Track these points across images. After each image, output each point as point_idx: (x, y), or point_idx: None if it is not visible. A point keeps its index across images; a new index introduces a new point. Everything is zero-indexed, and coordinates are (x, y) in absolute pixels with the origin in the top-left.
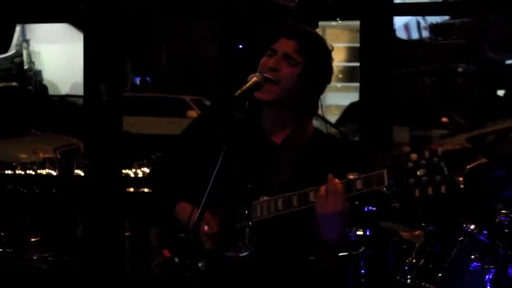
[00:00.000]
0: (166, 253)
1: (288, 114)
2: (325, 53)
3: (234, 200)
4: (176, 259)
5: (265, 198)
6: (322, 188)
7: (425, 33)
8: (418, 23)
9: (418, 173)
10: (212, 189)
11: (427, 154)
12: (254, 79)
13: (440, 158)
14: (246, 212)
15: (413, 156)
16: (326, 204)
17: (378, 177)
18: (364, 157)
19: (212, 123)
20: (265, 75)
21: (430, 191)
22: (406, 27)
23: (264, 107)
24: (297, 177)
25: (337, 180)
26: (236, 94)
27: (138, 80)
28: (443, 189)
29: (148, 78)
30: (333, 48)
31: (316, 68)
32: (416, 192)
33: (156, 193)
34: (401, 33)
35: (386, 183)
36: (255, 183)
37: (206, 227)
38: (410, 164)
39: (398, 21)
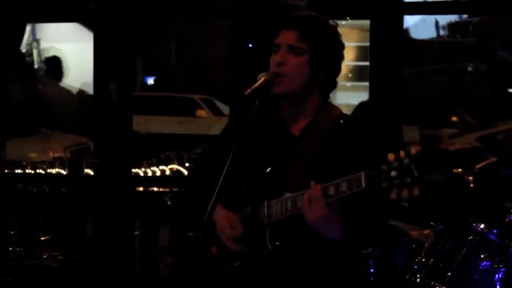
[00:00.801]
0: (214, 250)
1: (309, 104)
2: (329, 32)
3: (256, 198)
4: (222, 256)
5: (287, 195)
6: (306, 195)
7: (436, 32)
8: (437, 22)
9: (391, 174)
10: (223, 186)
11: (402, 154)
12: (263, 77)
13: (412, 159)
14: (265, 211)
15: (390, 156)
16: (310, 211)
17: (357, 180)
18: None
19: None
20: (273, 70)
21: (404, 193)
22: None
23: (284, 101)
24: (316, 168)
25: (317, 186)
26: (246, 93)
27: (148, 80)
28: (415, 191)
29: (145, 78)
30: (337, 24)
31: (324, 50)
32: (393, 194)
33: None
34: (411, 32)
35: (363, 185)
36: (276, 179)
37: (229, 231)
38: (385, 166)
39: (409, 20)
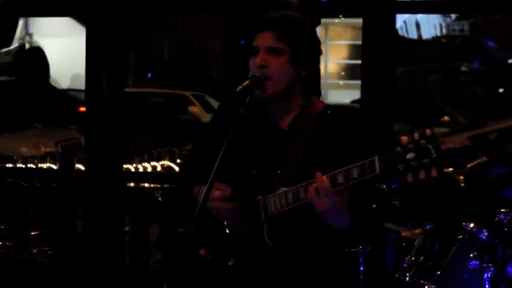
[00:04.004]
0: (202, 252)
1: (294, 100)
2: (306, 28)
3: (250, 194)
4: (210, 257)
5: (282, 189)
6: (312, 187)
7: (429, 31)
8: (430, 21)
9: (408, 156)
10: (213, 183)
11: (416, 136)
12: (253, 75)
13: (428, 139)
14: (262, 206)
15: (404, 139)
16: (320, 203)
17: (370, 164)
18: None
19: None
20: (256, 74)
21: (422, 175)
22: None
23: (270, 100)
24: (308, 161)
25: (323, 178)
26: (237, 90)
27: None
28: (434, 172)
29: (149, 74)
30: (319, 20)
31: (303, 47)
32: (409, 177)
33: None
34: (404, 31)
35: (378, 170)
36: (268, 174)
37: (217, 193)
38: (399, 149)
39: (402, 18)
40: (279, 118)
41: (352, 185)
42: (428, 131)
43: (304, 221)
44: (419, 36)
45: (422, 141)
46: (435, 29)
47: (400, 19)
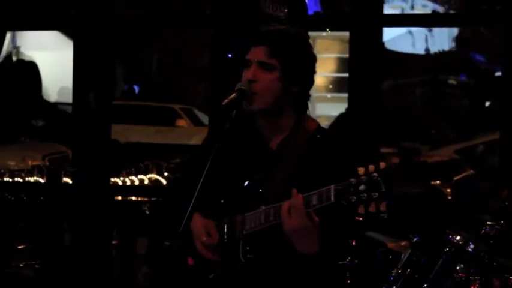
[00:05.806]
0: (190, 261)
1: (284, 118)
2: (300, 46)
3: (234, 210)
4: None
5: (261, 208)
6: (285, 205)
7: (417, 45)
8: (418, 35)
9: (360, 188)
10: (200, 196)
11: (371, 168)
12: (239, 88)
13: (380, 173)
14: (240, 223)
15: (360, 170)
16: (290, 221)
17: (326, 193)
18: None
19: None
20: (244, 88)
21: (371, 208)
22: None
23: (258, 116)
24: (292, 183)
25: (299, 196)
26: (223, 103)
27: (127, 87)
28: (382, 206)
29: (135, 86)
30: (308, 37)
31: (295, 64)
32: (360, 208)
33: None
34: (391, 45)
35: (332, 199)
36: (253, 193)
37: (205, 238)
38: (353, 180)
39: (394, 32)
40: (269, 137)
41: (322, 210)
42: (382, 164)
43: (277, 241)
44: (407, 50)
45: (374, 174)
46: (422, 43)
47: (394, 33)
